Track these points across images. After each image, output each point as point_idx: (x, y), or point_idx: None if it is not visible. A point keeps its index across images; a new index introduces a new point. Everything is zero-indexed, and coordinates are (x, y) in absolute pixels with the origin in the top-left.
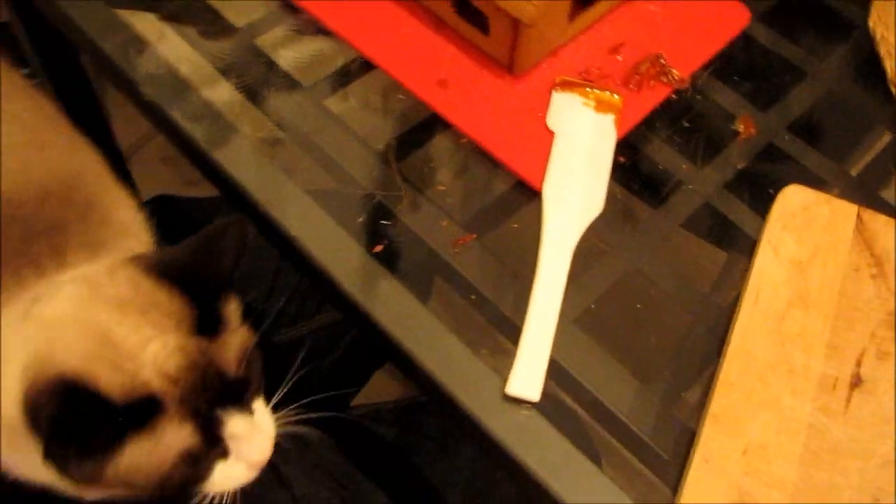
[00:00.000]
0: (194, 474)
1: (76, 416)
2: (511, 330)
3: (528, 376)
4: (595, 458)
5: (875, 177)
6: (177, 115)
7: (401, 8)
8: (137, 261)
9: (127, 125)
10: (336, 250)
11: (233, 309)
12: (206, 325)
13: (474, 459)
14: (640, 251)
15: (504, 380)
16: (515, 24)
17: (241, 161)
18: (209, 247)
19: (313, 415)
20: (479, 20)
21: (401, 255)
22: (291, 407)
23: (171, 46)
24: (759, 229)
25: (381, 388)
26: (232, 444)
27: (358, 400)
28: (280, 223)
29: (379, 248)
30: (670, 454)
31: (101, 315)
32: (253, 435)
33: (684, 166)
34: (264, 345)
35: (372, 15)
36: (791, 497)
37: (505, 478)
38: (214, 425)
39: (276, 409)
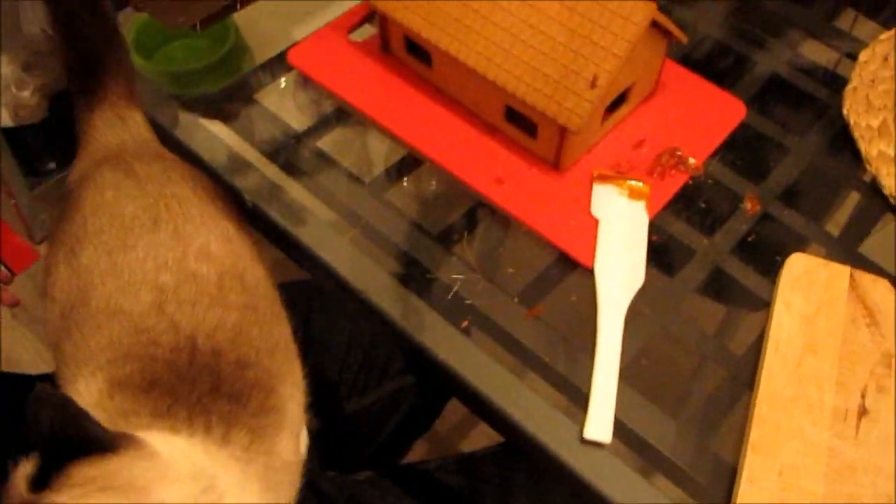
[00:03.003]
0: None
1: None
2: (571, 387)
3: (600, 422)
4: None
5: (852, 235)
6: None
7: (455, 114)
8: None
9: None
10: (430, 328)
11: None
12: None
13: (531, 501)
14: (669, 312)
15: (578, 426)
16: (562, 130)
17: (322, 241)
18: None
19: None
20: (526, 126)
21: (483, 328)
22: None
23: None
24: (759, 285)
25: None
26: None
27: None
28: (378, 307)
29: (465, 324)
30: (707, 482)
31: None
32: None
33: (703, 241)
34: (339, 413)
35: (430, 119)
36: None
37: None
38: None
39: (356, 466)
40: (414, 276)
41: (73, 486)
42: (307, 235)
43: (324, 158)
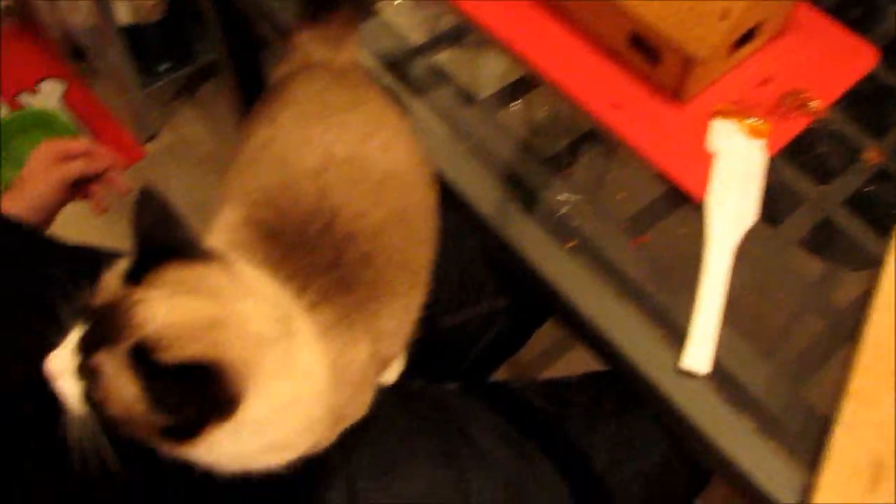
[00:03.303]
0: None
1: None
2: (668, 318)
3: (699, 352)
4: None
5: None
6: None
7: (577, 36)
8: None
9: None
10: (537, 246)
11: None
12: None
13: (618, 430)
14: (774, 255)
15: (675, 356)
16: (686, 60)
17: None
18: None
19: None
20: (650, 53)
21: (587, 252)
22: None
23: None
24: (868, 240)
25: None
26: None
27: None
28: (487, 222)
29: (572, 244)
30: (797, 429)
31: None
32: None
33: (816, 189)
34: (432, 327)
35: (551, 39)
36: None
37: (649, 445)
38: None
39: (443, 379)
40: (522, 195)
41: (162, 284)
42: None
43: (438, 74)
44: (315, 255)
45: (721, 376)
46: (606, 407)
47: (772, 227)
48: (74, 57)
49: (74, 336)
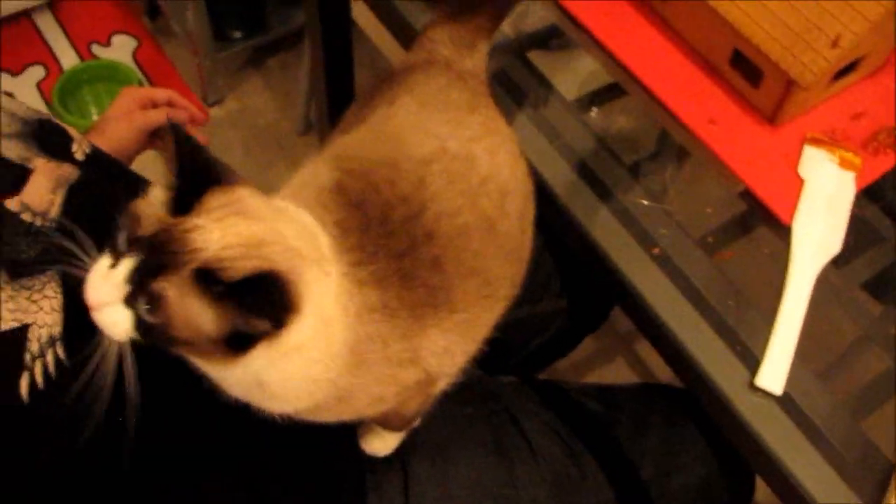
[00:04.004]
0: None
1: None
2: (735, 336)
3: (774, 373)
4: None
5: None
6: None
7: (678, 49)
8: None
9: None
10: (622, 248)
11: None
12: None
13: (666, 442)
14: (844, 289)
15: (748, 374)
16: (788, 84)
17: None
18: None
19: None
20: (750, 74)
21: (672, 259)
22: None
23: None
24: None
25: None
26: None
27: None
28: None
29: (656, 251)
30: (855, 461)
31: None
32: None
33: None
34: None
35: (653, 48)
36: None
37: (695, 461)
38: None
39: (494, 372)
40: (606, 196)
41: (210, 209)
42: None
43: (531, 69)
44: (389, 239)
45: (787, 400)
46: (655, 418)
47: (843, 262)
48: (150, 15)
49: (125, 266)
